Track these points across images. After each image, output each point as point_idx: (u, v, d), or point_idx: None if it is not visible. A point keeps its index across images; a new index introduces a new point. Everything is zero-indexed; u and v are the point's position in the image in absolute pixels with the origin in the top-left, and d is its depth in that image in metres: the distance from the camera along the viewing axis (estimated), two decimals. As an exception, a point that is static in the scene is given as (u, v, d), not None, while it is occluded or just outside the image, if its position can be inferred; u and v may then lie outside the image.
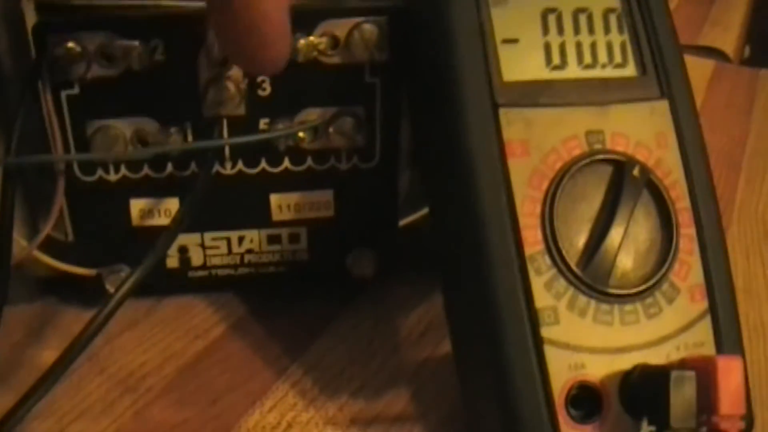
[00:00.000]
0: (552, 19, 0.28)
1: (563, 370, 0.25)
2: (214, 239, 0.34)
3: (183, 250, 0.34)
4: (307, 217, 0.34)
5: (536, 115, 0.27)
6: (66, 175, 0.31)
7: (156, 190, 0.33)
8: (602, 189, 0.27)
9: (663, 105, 0.28)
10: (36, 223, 0.32)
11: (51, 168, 0.31)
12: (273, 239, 0.35)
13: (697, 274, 0.27)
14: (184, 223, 0.30)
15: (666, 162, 0.27)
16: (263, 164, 0.33)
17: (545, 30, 0.28)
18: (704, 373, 0.23)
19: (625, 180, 0.26)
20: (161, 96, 0.31)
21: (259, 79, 0.31)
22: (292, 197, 0.34)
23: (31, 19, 0.29)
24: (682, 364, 0.24)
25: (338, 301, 0.36)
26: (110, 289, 0.33)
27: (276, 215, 0.34)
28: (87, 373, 0.32)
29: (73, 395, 0.31)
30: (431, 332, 0.35)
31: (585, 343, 0.25)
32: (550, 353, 0.25)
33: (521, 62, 0.27)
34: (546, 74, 0.28)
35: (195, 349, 0.34)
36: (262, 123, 0.32)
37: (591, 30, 0.28)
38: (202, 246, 0.34)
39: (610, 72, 0.28)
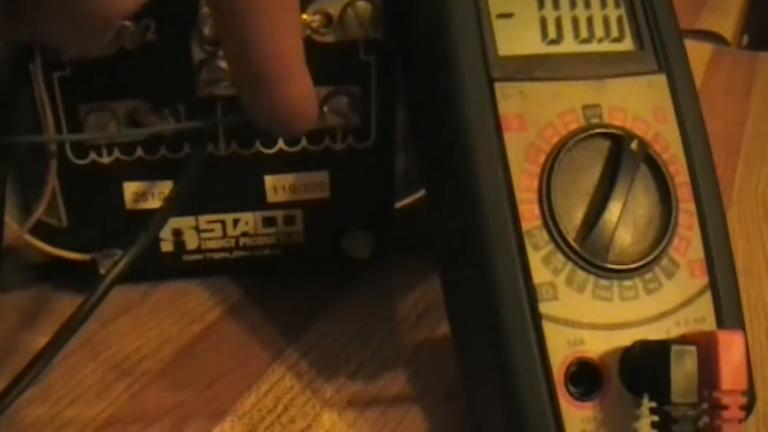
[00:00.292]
0: (547, -7, 0.28)
1: (562, 347, 0.25)
2: (208, 222, 0.34)
3: (177, 234, 0.34)
4: (302, 199, 0.34)
5: (532, 89, 0.26)
6: (59, 158, 0.31)
7: (150, 172, 0.32)
8: (600, 163, 0.26)
9: (661, 79, 0.28)
10: (29, 209, 0.32)
11: (43, 151, 0.31)
12: (268, 221, 0.34)
13: (696, 250, 0.27)
14: (177, 203, 0.30)
15: (664, 136, 0.27)
16: (258, 145, 0.32)
17: (541, 4, 0.28)
18: (705, 347, 0.23)
19: (622, 154, 0.26)
20: (154, 76, 0.30)
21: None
22: (287, 179, 0.33)
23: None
24: (683, 340, 0.24)
25: (335, 284, 0.36)
26: (104, 273, 0.33)
27: (271, 197, 0.34)
28: (82, 358, 0.32)
29: (68, 380, 0.31)
30: (429, 314, 0.35)
31: (584, 319, 0.25)
32: (549, 329, 0.25)
33: (517, 36, 0.27)
34: (542, 48, 0.27)
35: (191, 333, 0.33)
36: (256, 103, 0.31)
37: (587, 4, 0.28)
38: (197, 229, 0.34)
39: (606, 46, 0.28)
